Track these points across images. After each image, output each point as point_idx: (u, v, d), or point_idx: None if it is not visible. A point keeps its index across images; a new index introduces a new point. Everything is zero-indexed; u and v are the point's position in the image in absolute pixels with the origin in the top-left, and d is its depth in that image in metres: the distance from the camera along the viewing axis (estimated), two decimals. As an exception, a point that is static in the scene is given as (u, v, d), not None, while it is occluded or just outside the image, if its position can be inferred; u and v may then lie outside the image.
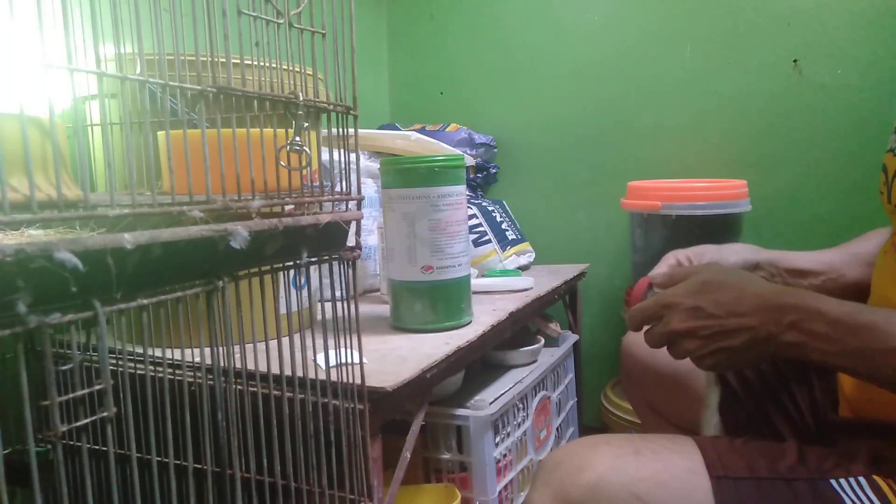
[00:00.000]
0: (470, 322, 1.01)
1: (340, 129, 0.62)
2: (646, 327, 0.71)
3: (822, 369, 0.85)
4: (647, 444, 0.67)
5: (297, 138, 0.54)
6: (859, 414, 0.74)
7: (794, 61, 1.45)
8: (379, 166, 1.02)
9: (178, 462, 0.47)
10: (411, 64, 1.89)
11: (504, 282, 1.27)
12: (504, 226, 1.51)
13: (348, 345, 0.63)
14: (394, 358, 0.83)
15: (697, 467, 0.64)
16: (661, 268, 0.86)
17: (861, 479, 0.62)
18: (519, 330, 1.20)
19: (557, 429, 1.36)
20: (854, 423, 0.74)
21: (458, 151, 1.53)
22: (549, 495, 0.64)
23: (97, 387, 0.38)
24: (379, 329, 1.00)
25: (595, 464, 0.64)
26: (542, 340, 1.31)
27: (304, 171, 0.56)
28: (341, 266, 0.61)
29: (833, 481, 0.62)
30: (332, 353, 0.61)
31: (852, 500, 0.60)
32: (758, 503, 0.61)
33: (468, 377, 1.14)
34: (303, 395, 0.60)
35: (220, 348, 0.50)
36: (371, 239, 1.22)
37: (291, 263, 0.56)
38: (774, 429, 0.83)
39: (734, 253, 0.89)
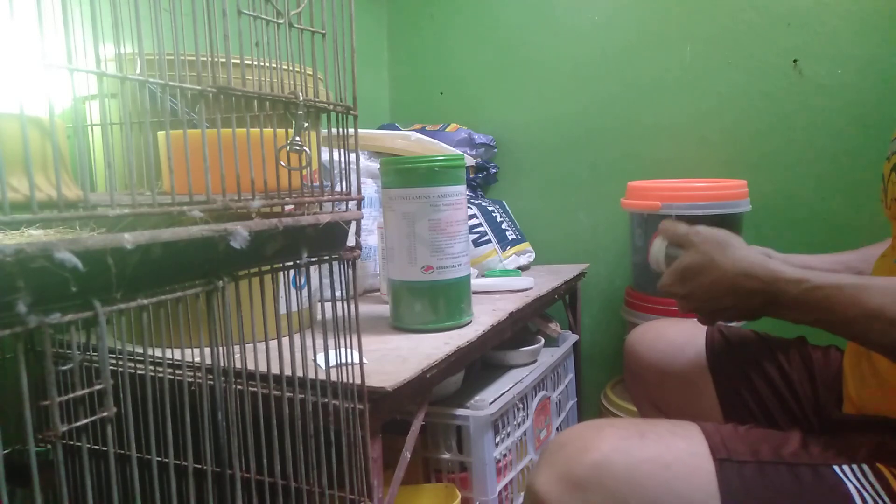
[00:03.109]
0: (470, 322, 1.01)
1: (340, 129, 0.62)
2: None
3: (825, 368, 0.85)
4: (651, 427, 0.68)
5: (297, 138, 0.54)
6: (863, 412, 0.74)
7: (794, 61, 1.45)
8: (379, 166, 1.02)
9: (178, 462, 0.47)
10: (411, 64, 1.89)
11: (504, 282, 1.27)
12: (504, 226, 1.51)
13: (348, 345, 0.63)
14: (394, 358, 0.83)
15: (701, 450, 0.64)
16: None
17: (864, 466, 0.62)
18: (519, 330, 1.20)
19: (557, 429, 1.36)
20: (858, 420, 0.74)
21: (458, 151, 1.53)
22: (554, 475, 0.64)
23: (97, 387, 0.38)
24: (379, 329, 1.00)
25: (600, 445, 0.64)
26: (542, 340, 1.31)
27: (304, 171, 0.56)
28: (341, 266, 0.61)
29: (836, 467, 0.62)
30: (332, 353, 0.61)
31: (855, 486, 0.60)
32: (760, 486, 0.61)
33: (468, 377, 1.14)
34: (303, 395, 0.60)
35: (220, 348, 0.50)
36: (371, 239, 1.22)
37: (291, 263, 0.56)
38: (776, 426, 0.83)
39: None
